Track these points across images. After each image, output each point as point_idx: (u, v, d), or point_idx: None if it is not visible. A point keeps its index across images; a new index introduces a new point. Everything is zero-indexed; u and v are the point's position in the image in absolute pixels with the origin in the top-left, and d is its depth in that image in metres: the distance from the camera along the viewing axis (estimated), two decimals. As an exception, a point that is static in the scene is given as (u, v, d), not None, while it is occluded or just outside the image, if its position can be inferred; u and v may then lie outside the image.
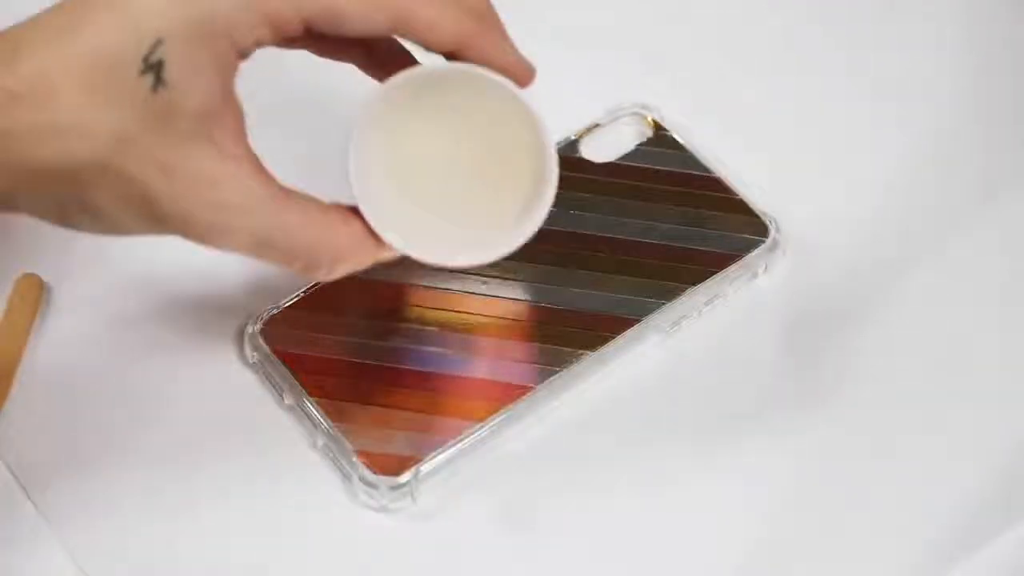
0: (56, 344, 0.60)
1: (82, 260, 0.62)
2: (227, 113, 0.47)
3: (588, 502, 0.57)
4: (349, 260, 0.51)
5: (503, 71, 0.50)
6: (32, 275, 0.61)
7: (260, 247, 0.49)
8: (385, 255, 0.52)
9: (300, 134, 0.63)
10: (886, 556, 0.55)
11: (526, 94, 0.50)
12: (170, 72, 0.45)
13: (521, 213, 0.53)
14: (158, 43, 0.45)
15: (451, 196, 0.53)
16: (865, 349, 0.60)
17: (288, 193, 0.49)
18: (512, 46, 0.50)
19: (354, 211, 0.51)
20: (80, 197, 0.47)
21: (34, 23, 0.46)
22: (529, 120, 0.50)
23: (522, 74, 0.50)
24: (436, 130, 0.52)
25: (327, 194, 0.51)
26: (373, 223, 0.51)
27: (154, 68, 0.45)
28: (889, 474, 0.57)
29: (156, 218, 0.47)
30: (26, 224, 0.62)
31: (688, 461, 0.58)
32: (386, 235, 0.51)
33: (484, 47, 0.49)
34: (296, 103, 0.65)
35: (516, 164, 0.52)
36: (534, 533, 0.56)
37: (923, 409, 0.59)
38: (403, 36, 0.50)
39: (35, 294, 0.61)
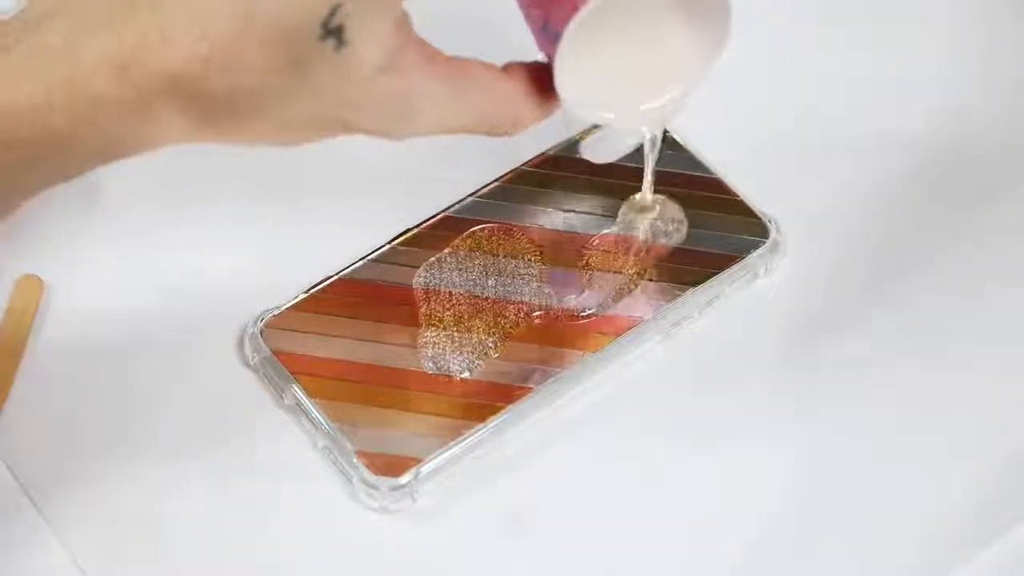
0: (56, 344, 0.60)
1: (82, 260, 0.62)
2: (400, 36, 0.48)
3: (588, 502, 0.57)
4: (526, 121, 0.52)
5: None
6: (32, 275, 0.61)
7: (443, 131, 0.51)
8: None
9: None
10: (886, 556, 0.55)
11: None
12: (350, 33, 0.46)
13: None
14: (337, 7, 0.45)
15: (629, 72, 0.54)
16: (865, 350, 0.60)
17: (463, 70, 0.50)
18: None
19: (527, 69, 0.52)
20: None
21: None
22: None
23: None
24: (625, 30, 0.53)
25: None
26: (558, 82, 0.51)
27: (334, 32, 0.46)
28: (889, 474, 0.57)
29: (348, 132, 0.49)
30: (26, 224, 0.63)
31: (688, 461, 0.58)
32: (569, 94, 0.52)
33: None
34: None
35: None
36: (534, 533, 0.56)
37: (923, 409, 0.59)
38: None
39: (35, 294, 0.61)
